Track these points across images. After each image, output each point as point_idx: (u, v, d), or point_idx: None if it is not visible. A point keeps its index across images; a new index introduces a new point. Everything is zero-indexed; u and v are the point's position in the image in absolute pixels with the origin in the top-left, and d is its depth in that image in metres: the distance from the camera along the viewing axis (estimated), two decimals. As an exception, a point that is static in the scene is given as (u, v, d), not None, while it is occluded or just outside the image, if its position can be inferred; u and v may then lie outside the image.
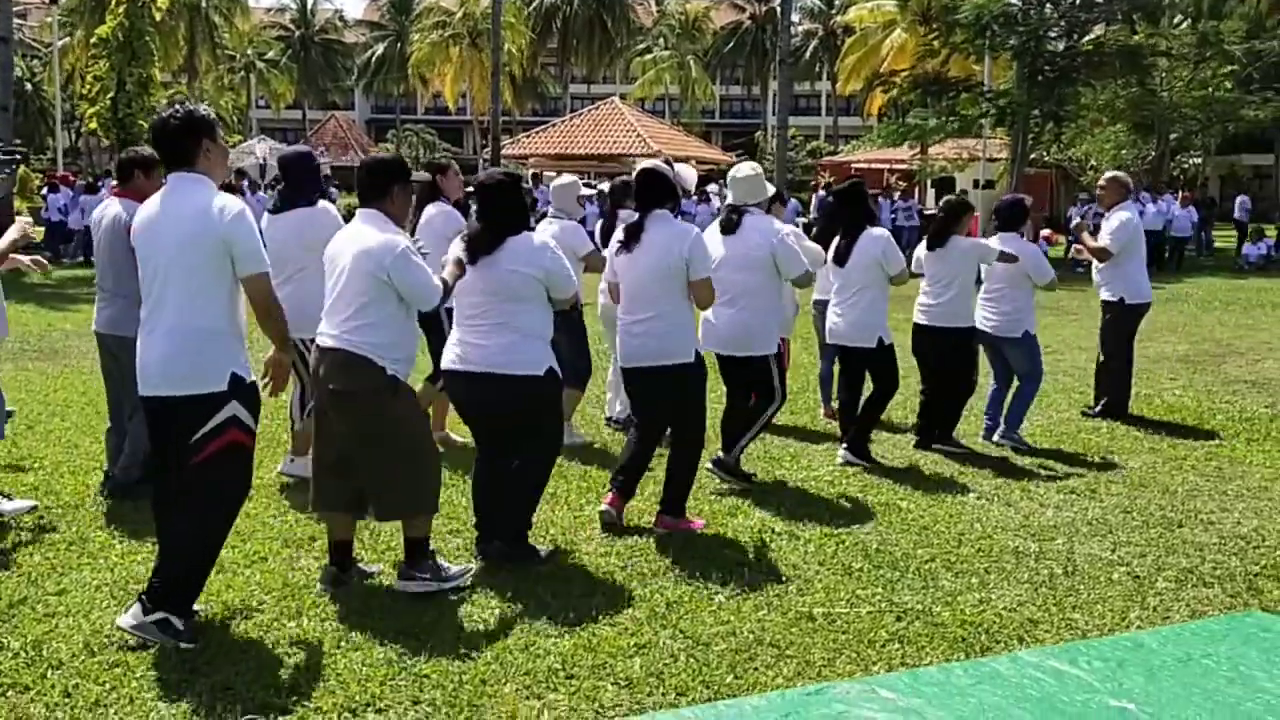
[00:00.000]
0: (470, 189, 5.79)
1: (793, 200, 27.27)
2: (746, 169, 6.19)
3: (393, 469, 4.52)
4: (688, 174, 5.95)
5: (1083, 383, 9.34)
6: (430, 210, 6.87)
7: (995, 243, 7.31)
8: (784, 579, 4.89)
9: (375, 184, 4.62)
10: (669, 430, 5.61)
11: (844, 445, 6.89)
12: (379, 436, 4.51)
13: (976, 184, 30.43)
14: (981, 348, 7.49)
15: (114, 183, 6.16)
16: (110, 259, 5.75)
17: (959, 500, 6.14)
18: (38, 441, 7.11)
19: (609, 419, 7.85)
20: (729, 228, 6.08)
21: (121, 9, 28.14)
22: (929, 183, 32.48)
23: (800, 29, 57.47)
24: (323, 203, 6.19)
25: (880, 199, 26.48)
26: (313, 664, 3.97)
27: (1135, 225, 8.18)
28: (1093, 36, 26.51)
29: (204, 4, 47.32)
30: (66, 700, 3.67)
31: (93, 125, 29.00)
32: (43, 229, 24.25)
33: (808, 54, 55.72)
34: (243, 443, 4.14)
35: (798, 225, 11.15)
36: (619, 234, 5.51)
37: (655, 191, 5.41)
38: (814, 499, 6.15)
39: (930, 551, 5.27)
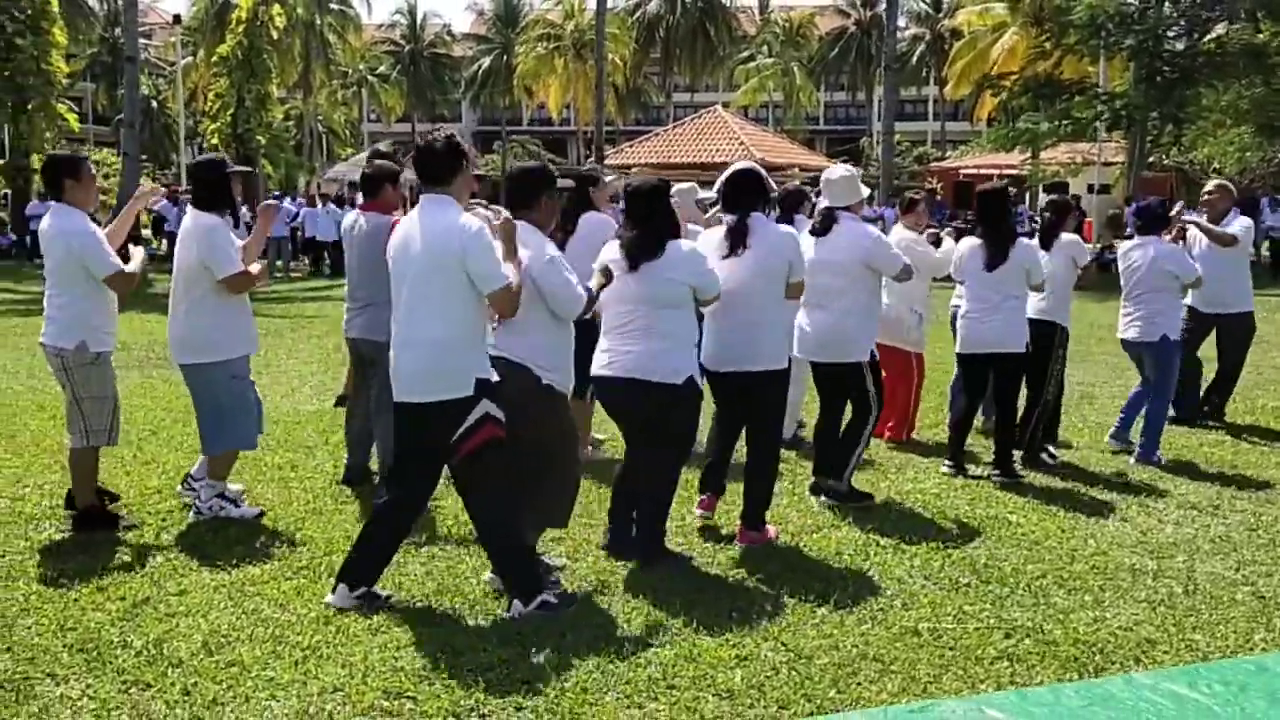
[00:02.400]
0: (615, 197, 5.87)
1: (888, 209, 26.97)
2: (840, 170, 6.13)
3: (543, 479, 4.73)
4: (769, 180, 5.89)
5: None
6: (588, 222, 6.51)
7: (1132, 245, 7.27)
8: (888, 593, 4.81)
9: (525, 193, 4.70)
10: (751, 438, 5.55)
11: (995, 469, 6.66)
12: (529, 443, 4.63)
13: (1091, 189, 29.69)
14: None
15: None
16: (360, 266, 6.01)
17: (1071, 515, 5.97)
18: (160, 446, 7.37)
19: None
20: (822, 230, 6.00)
21: (241, 28, 29.19)
22: (1040, 188, 31.72)
23: (907, 33, 56.66)
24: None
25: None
26: (420, 668, 4.03)
27: (1252, 228, 8.07)
28: (1214, 36, 25.62)
29: (319, 22, 48.63)
30: (185, 698, 3.79)
31: (214, 140, 30.06)
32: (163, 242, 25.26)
33: (914, 59, 54.91)
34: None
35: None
36: (723, 238, 5.38)
37: (750, 193, 5.37)
38: (920, 512, 6.04)
39: (1041, 568, 5.13)
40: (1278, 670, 3.10)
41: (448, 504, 5.71)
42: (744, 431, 5.65)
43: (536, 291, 4.51)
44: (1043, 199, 31.01)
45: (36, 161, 25.99)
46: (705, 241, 5.47)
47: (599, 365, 5.08)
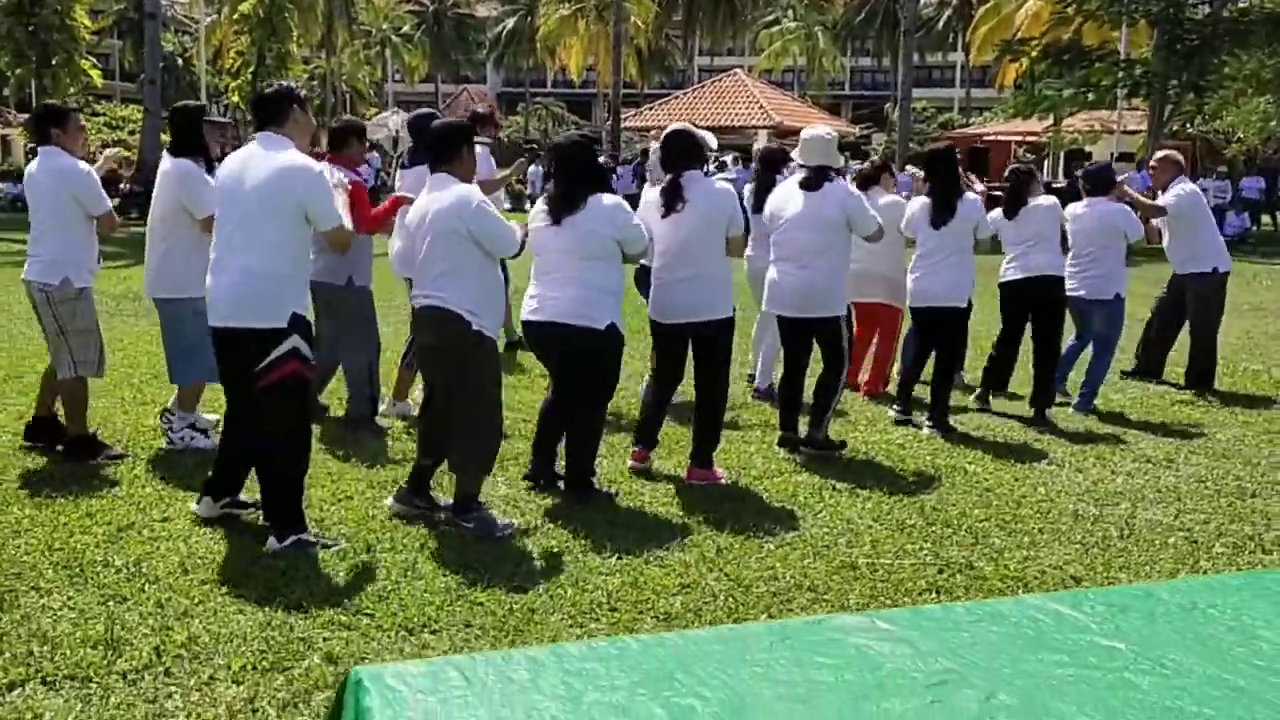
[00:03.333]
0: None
1: (906, 172, 26.95)
2: (822, 130, 6.25)
3: (467, 421, 4.90)
4: (710, 140, 6.10)
5: (1178, 354, 9.13)
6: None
7: (1081, 208, 7.42)
8: (835, 531, 5.03)
9: (445, 146, 4.93)
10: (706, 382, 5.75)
11: (929, 424, 6.86)
12: (462, 390, 4.86)
13: (1113, 157, 29.54)
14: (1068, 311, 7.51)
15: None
16: None
17: (1029, 466, 6.17)
18: (160, 388, 7.63)
19: (750, 377, 7.97)
20: (812, 184, 6.11)
21: (263, -14, 29.31)
22: (1060, 155, 31.58)
23: (934, -1, 56.24)
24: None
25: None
26: (380, 589, 4.29)
27: (1196, 194, 8.20)
28: (1238, 4, 25.40)
29: (342, -20, 48.66)
30: (158, 610, 4.06)
31: (235, 98, 30.39)
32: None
33: (940, 24, 54.45)
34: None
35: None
36: (659, 197, 5.59)
37: (687, 154, 5.58)
38: (881, 461, 6.25)
39: (987, 512, 5.35)
40: (1162, 596, 3.29)
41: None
42: (695, 376, 5.82)
43: (469, 239, 4.74)
44: (1062, 167, 30.93)
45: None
46: (646, 201, 5.70)
47: (527, 310, 5.33)
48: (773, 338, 7.24)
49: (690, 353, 5.70)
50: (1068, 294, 7.36)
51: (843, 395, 6.54)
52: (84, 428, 5.87)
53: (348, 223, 4.81)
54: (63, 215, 5.58)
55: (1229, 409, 7.68)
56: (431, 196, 4.85)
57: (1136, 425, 7.17)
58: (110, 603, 4.13)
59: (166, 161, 5.84)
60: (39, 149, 5.73)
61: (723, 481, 5.70)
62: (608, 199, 5.18)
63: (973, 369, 8.20)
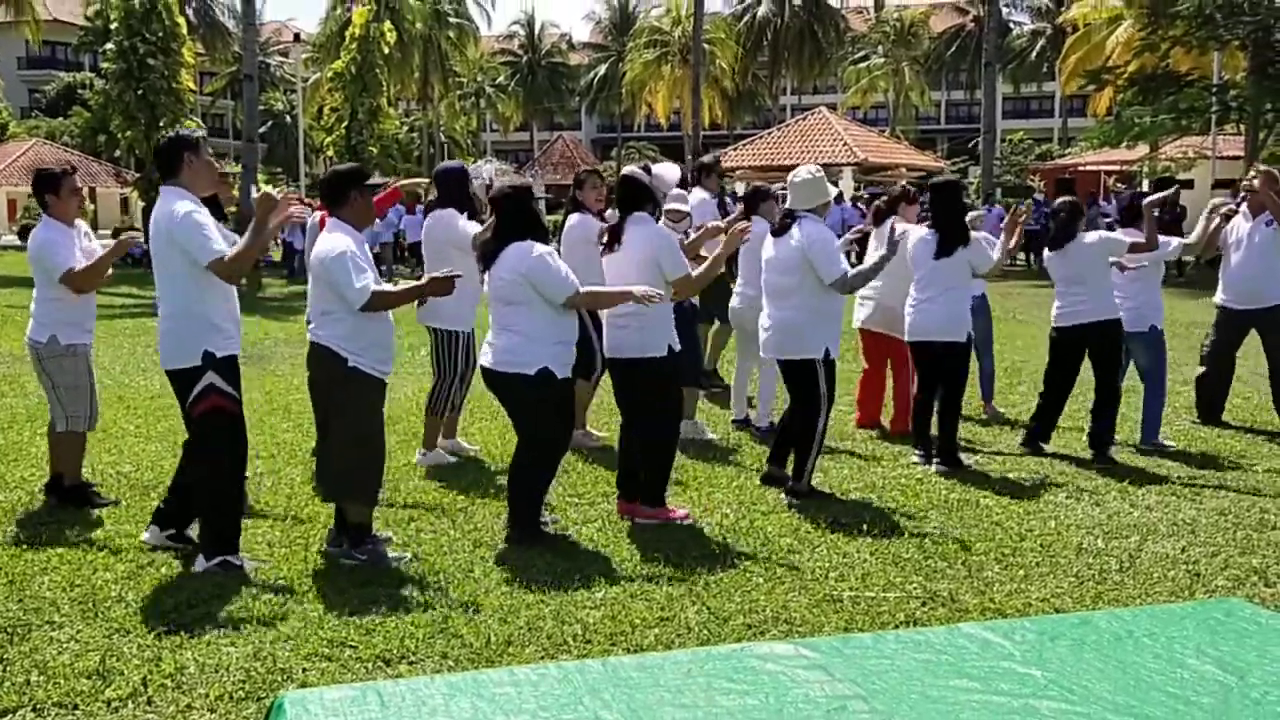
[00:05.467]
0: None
1: (997, 207, 26.56)
2: (803, 172, 6.25)
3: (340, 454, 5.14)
4: (668, 174, 6.22)
5: (1243, 385, 8.89)
6: (572, 220, 7.15)
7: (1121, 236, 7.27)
8: (829, 566, 5.05)
9: (334, 192, 5.16)
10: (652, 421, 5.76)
11: (937, 460, 6.80)
12: (339, 424, 5.13)
13: (1216, 185, 28.72)
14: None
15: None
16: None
17: (1044, 500, 6.09)
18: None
19: (736, 421, 8.04)
20: (780, 230, 6.23)
21: (354, 45, 30.41)
22: (1149, 184, 30.79)
23: (1027, 28, 55.43)
24: (447, 209, 6.83)
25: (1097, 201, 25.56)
26: (367, 622, 4.45)
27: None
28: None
29: (436, 35, 50.10)
30: (156, 641, 4.28)
31: (330, 152, 31.45)
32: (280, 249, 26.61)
33: (1034, 54, 53.67)
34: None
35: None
36: (605, 236, 5.91)
37: (634, 197, 5.77)
38: (894, 494, 6.23)
39: (988, 545, 5.30)
40: (1100, 625, 3.26)
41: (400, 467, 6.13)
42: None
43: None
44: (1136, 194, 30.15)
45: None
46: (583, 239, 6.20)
47: (480, 356, 5.55)
48: (773, 377, 7.31)
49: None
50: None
51: (821, 445, 6.19)
52: (78, 475, 6.16)
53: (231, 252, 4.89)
54: (40, 278, 5.93)
55: (1273, 444, 7.44)
56: (319, 239, 5.18)
57: (1172, 456, 7.01)
58: (114, 636, 4.36)
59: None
60: (40, 215, 6.09)
61: (679, 519, 5.70)
62: (529, 246, 5.22)
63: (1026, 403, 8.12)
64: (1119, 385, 7.16)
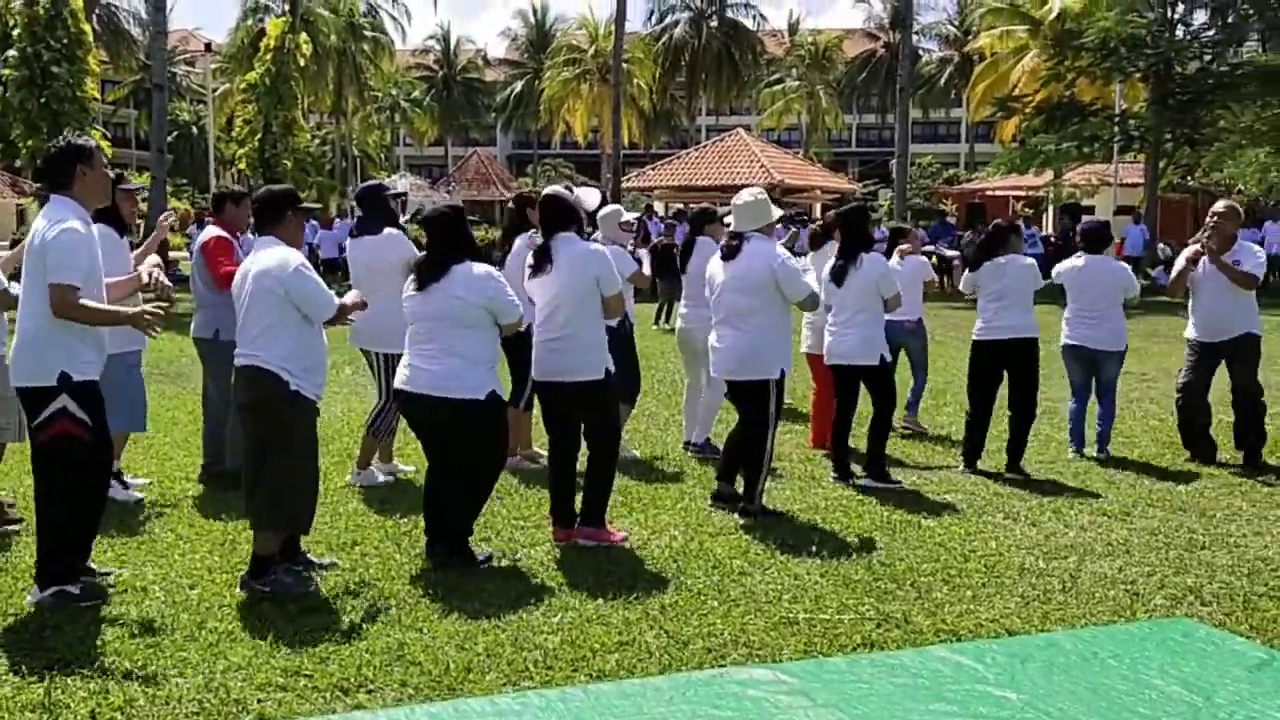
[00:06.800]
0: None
1: (922, 231, 27.07)
2: (747, 195, 6.33)
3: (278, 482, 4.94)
4: (589, 197, 6.23)
5: (1165, 410, 9.10)
6: (519, 241, 7.19)
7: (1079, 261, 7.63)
8: (782, 588, 5.09)
9: (271, 211, 5.07)
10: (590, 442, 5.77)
11: (866, 475, 6.94)
12: (275, 448, 4.92)
13: (1118, 211, 29.68)
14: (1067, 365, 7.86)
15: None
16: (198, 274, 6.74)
17: (983, 520, 6.22)
18: (140, 453, 7.78)
19: (687, 443, 8.06)
20: (729, 253, 6.26)
21: (269, 56, 29.94)
22: (1056, 210, 31.79)
23: (935, 56, 56.83)
24: (389, 229, 6.77)
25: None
26: (321, 651, 4.36)
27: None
28: (1233, 59, 25.66)
29: (351, 49, 49.53)
30: (102, 676, 4.14)
31: (242, 165, 30.89)
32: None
33: (943, 80, 55.03)
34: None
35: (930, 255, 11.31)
36: (530, 259, 5.79)
37: (560, 216, 5.71)
38: (837, 516, 6.30)
39: (934, 566, 5.40)
40: (1065, 646, 3.34)
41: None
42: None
43: (286, 300, 4.83)
44: (1054, 221, 30.99)
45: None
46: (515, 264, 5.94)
47: (400, 379, 5.34)
48: (718, 396, 7.37)
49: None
50: (1083, 345, 7.62)
51: (769, 464, 6.30)
52: None
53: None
54: None
55: (1194, 462, 7.71)
56: (253, 257, 5.01)
57: (1099, 479, 7.22)
58: (55, 668, 4.20)
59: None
60: None
61: (617, 541, 5.68)
62: (477, 267, 5.19)
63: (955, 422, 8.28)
64: (1035, 401, 7.41)
